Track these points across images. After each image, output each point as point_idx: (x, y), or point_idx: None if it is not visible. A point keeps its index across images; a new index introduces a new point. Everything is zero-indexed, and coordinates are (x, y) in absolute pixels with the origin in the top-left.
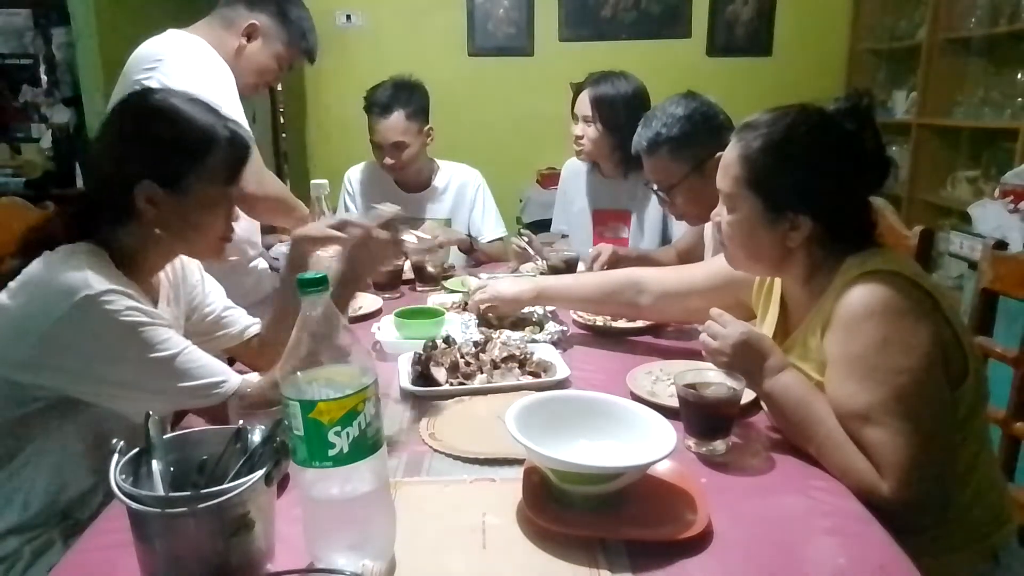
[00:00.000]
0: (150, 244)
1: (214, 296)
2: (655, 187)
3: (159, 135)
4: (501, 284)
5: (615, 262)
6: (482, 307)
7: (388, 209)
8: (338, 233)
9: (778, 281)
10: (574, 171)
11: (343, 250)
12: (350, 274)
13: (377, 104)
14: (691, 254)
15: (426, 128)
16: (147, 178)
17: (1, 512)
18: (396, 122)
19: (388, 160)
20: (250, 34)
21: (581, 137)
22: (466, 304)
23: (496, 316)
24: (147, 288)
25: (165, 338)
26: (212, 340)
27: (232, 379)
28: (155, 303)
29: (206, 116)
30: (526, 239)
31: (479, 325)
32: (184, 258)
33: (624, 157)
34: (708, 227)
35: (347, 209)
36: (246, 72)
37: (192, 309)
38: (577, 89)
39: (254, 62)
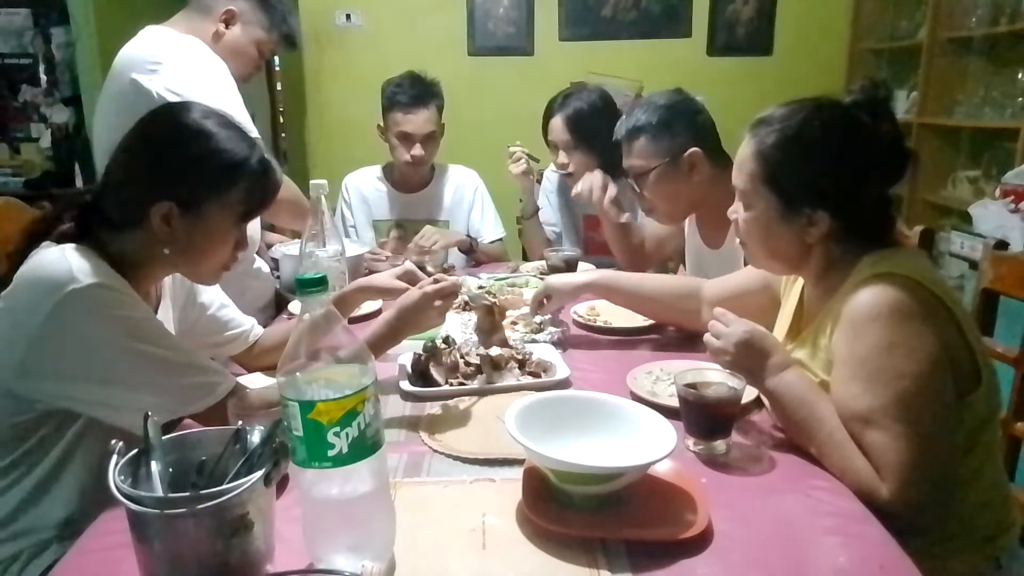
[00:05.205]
0: (152, 258)
1: (209, 294)
2: (630, 178)
3: (190, 157)
4: (551, 277)
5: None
6: (542, 300)
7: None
8: (404, 285)
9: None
10: (555, 179)
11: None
12: (393, 326)
13: (407, 95)
14: (660, 242)
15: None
16: (169, 199)
17: (11, 521)
18: (432, 113)
19: (417, 152)
20: (228, 20)
21: (567, 164)
22: (467, 304)
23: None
24: (144, 294)
25: (159, 334)
26: (219, 347)
27: (228, 378)
28: (155, 306)
29: (240, 146)
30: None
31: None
32: None
33: (609, 165)
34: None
35: (344, 217)
36: (224, 60)
37: (190, 304)
38: (545, 117)
39: (232, 49)
